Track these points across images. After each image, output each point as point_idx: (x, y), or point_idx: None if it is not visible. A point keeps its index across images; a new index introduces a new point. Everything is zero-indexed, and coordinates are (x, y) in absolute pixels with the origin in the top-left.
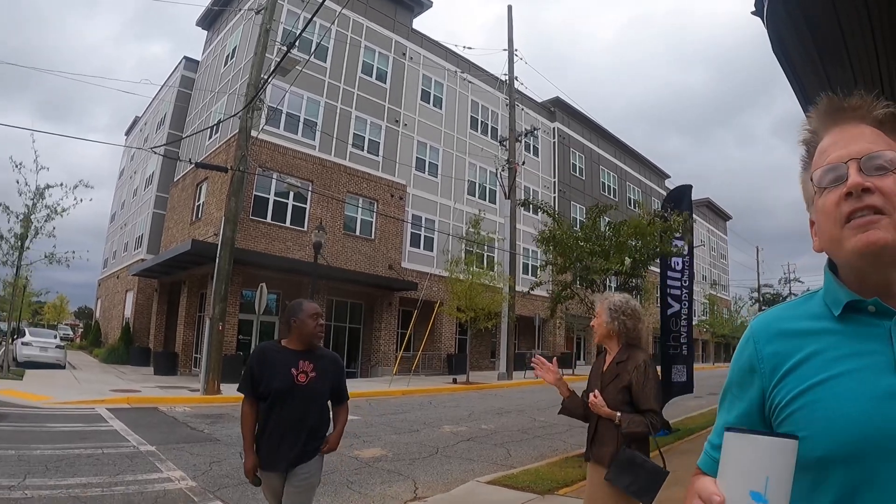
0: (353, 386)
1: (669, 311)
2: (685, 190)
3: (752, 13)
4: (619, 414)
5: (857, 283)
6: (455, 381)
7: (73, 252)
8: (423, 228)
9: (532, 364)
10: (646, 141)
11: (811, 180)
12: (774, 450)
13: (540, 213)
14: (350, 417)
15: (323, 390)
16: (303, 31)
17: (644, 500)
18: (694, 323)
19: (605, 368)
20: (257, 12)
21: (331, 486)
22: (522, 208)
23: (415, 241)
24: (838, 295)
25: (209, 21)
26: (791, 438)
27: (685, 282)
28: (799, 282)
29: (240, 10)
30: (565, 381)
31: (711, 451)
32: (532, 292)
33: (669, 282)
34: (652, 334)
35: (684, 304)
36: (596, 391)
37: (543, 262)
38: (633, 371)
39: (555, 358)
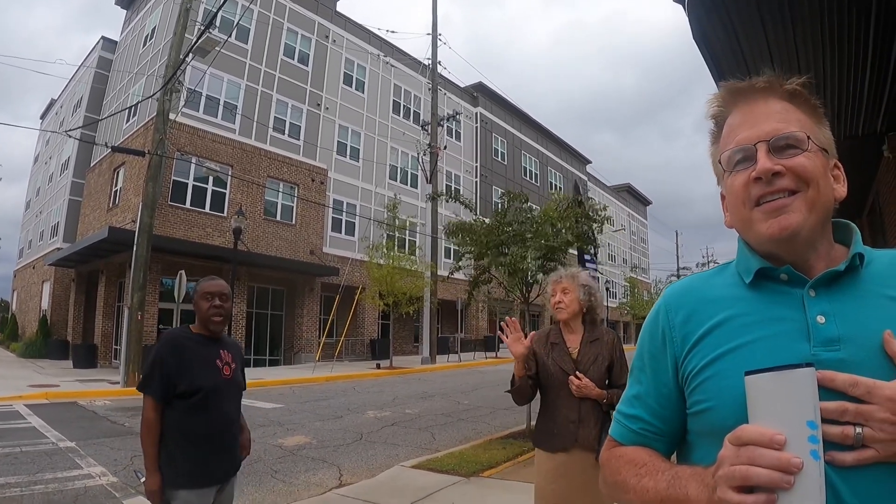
0: (277, 374)
1: None
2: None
3: (674, 0)
4: (606, 392)
5: (769, 257)
6: (379, 367)
7: None
8: (344, 213)
9: (502, 326)
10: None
11: (720, 162)
12: (813, 377)
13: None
14: (273, 405)
15: (242, 383)
16: (220, 8)
17: None
18: (614, 305)
19: (577, 350)
20: None
21: (254, 476)
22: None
23: (336, 225)
24: (750, 263)
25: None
26: (809, 365)
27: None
28: (717, 264)
29: None
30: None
31: (625, 421)
32: (454, 276)
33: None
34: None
35: None
36: (578, 374)
37: (459, 252)
38: (613, 349)
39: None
